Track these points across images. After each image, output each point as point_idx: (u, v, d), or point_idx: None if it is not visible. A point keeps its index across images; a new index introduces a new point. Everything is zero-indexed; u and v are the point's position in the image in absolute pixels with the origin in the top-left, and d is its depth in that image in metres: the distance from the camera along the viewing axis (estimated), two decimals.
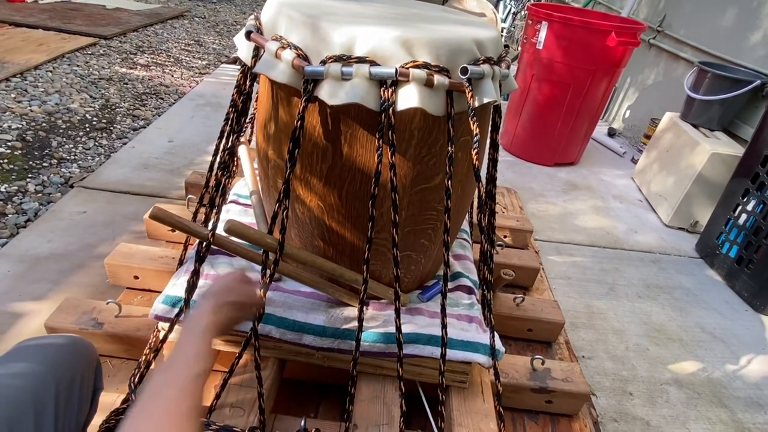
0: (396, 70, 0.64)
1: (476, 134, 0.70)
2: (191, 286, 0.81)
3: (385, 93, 0.66)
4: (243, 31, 0.76)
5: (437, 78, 0.66)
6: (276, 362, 0.93)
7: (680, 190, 1.99)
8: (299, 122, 0.68)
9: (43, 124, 2.10)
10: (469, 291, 1.01)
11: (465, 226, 1.26)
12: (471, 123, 0.70)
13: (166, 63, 3.10)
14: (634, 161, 2.56)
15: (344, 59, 0.65)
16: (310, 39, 0.67)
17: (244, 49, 0.77)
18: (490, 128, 0.85)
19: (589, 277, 1.66)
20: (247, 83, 0.79)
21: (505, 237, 1.65)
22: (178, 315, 0.85)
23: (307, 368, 0.97)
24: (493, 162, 0.86)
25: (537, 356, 1.07)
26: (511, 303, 1.27)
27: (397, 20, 0.74)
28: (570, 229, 1.93)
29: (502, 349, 0.91)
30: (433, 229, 0.88)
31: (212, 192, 0.85)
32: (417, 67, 0.65)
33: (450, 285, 1.03)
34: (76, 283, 1.30)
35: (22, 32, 2.99)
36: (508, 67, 0.77)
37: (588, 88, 2.18)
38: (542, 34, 2.14)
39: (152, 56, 3.16)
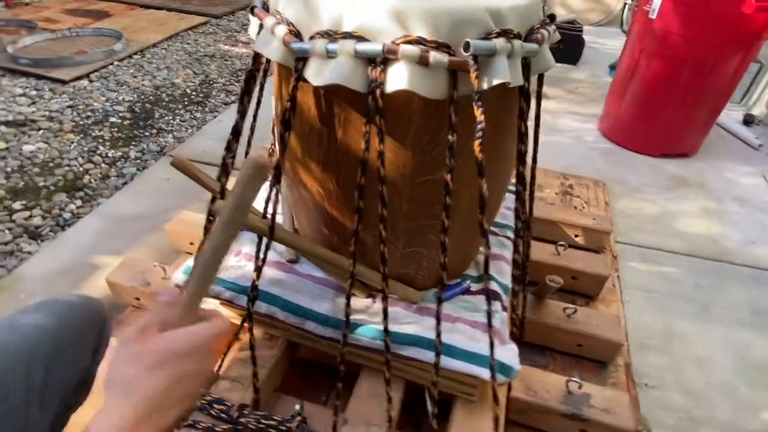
0: (383, 46, 0.57)
1: (480, 121, 0.60)
2: None
3: (373, 73, 0.59)
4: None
5: (434, 55, 0.57)
6: (285, 342, 0.93)
7: None
8: (289, 104, 0.65)
9: (150, 97, 2.35)
10: (494, 296, 0.91)
11: (509, 220, 1.13)
12: (475, 108, 0.59)
13: None
14: None
15: (330, 35, 0.59)
16: (302, 13, 0.63)
17: (253, 25, 0.74)
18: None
19: (677, 292, 1.40)
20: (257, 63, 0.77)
21: (576, 236, 1.47)
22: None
23: (324, 352, 0.96)
24: (519, 155, 0.74)
25: (573, 379, 0.94)
26: (560, 312, 1.12)
27: None
28: (666, 232, 1.65)
29: (517, 367, 0.81)
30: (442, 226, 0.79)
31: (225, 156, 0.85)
32: (409, 42, 0.57)
33: (474, 287, 0.93)
34: (148, 243, 1.45)
35: (149, 14, 3.37)
36: (541, 42, 0.64)
37: (712, 65, 1.81)
38: (657, 0, 1.81)
39: None
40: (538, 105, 0.86)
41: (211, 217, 0.78)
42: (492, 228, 1.11)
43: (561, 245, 1.31)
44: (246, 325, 0.79)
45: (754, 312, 1.36)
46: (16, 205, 1.64)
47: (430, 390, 0.78)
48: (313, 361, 1.04)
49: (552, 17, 0.71)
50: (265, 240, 0.73)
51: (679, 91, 1.90)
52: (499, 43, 0.58)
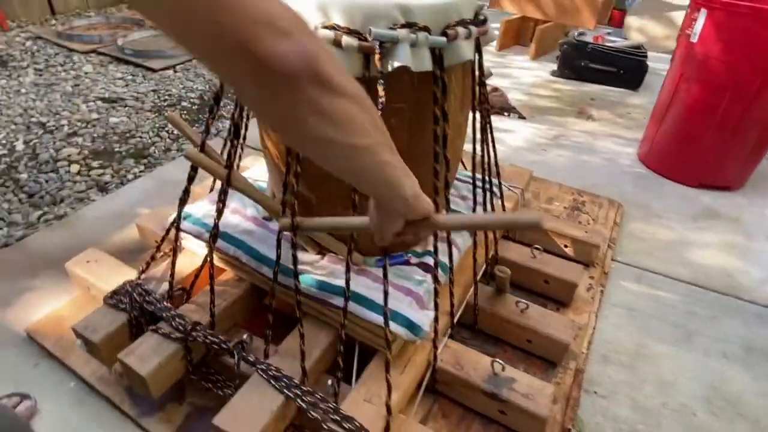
0: None
1: (381, 99, 0.72)
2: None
3: None
4: None
5: (345, 39, 0.70)
6: (249, 285, 1.09)
7: None
8: None
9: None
10: (426, 269, 0.99)
11: (462, 208, 1.20)
12: (379, 88, 0.72)
13: None
14: None
15: None
16: None
17: None
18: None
19: (664, 316, 1.36)
20: None
21: (565, 246, 1.48)
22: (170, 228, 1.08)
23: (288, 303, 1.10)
24: (435, 136, 0.83)
25: (497, 360, 0.99)
26: (513, 306, 1.17)
27: None
28: (674, 260, 1.59)
29: (426, 328, 0.89)
30: None
31: (229, 135, 1.04)
32: (325, 27, 0.71)
33: (414, 261, 1.03)
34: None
35: None
36: (454, 37, 0.75)
37: (756, 93, 1.72)
38: (699, 23, 1.76)
39: None
40: (481, 101, 0.94)
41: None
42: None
43: (536, 248, 1.34)
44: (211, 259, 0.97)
45: (747, 349, 1.28)
46: (94, 164, 1.99)
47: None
48: (279, 311, 1.19)
49: (477, 19, 0.80)
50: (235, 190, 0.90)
51: (718, 118, 1.82)
52: (402, 33, 0.70)
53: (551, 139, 2.38)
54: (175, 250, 1.06)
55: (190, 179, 1.00)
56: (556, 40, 3.23)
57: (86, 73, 2.77)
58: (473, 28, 0.78)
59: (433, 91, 0.78)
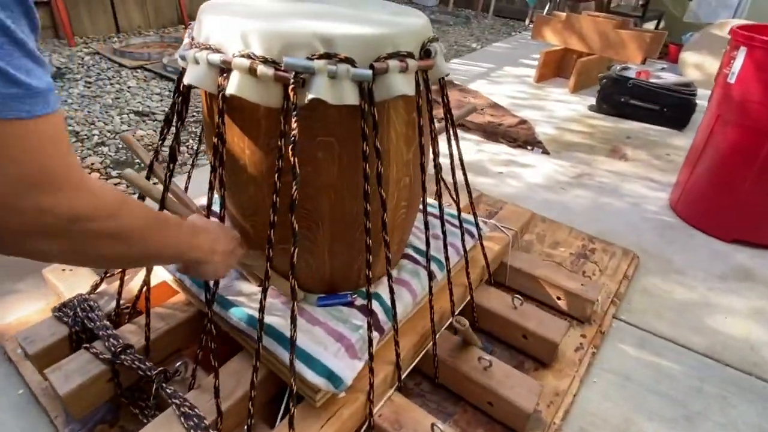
0: (221, 57, 0.68)
1: (294, 132, 0.67)
2: None
3: (220, 79, 0.70)
4: None
5: (260, 68, 0.67)
6: (195, 310, 1.07)
7: None
8: (180, 97, 0.80)
9: None
10: (368, 314, 0.92)
11: (438, 251, 1.11)
12: (291, 120, 0.67)
13: None
14: None
15: (198, 46, 0.73)
16: (198, 30, 0.78)
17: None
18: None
19: (662, 390, 1.19)
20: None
21: (558, 299, 1.35)
22: None
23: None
24: (365, 174, 0.76)
25: (437, 424, 0.89)
26: (475, 361, 1.06)
27: (284, 16, 0.76)
28: (689, 325, 1.40)
29: (347, 382, 0.81)
30: (310, 230, 0.85)
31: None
32: (242, 56, 0.68)
33: (359, 302, 0.96)
34: None
35: None
36: (382, 71, 0.69)
37: None
38: (737, 63, 1.59)
39: None
40: (421, 133, 0.88)
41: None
42: (409, 251, 1.12)
43: (517, 298, 1.23)
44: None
45: None
46: (113, 173, 2.09)
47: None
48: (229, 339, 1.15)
49: (422, 52, 0.74)
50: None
51: (758, 166, 1.62)
52: (319, 64, 0.66)
53: (573, 177, 2.23)
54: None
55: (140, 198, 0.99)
56: (598, 73, 3.07)
57: (129, 87, 2.96)
58: (411, 62, 0.73)
59: (361, 126, 0.72)
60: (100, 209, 0.48)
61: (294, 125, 0.67)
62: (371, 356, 0.86)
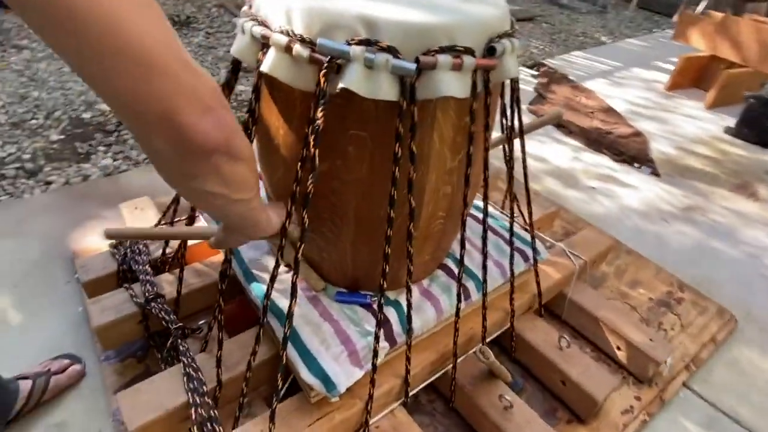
0: (261, 31, 0.64)
1: (318, 122, 0.62)
2: None
3: (259, 54, 0.67)
4: None
5: (296, 48, 0.62)
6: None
7: None
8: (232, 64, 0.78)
9: None
10: (383, 322, 0.86)
11: (475, 265, 1.00)
12: (313, 106, 0.62)
13: None
14: None
15: (248, 16, 0.70)
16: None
17: None
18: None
19: None
20: None
21: (618, 349, 1.18)
22: None
23: None
24: (393, 178, 0.68)
25: None
26: (495, 399, 0.96)
27: None
28: None
29: (341, 389, 0.77)
30: (334, 223, 0.80)
31: None
32: (281, 32, 0.63)
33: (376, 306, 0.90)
34: None
35: None
36: (429, 66, 0.61)
37: None
38: None
39: None
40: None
41: None
42: (448, 262, 1.02)
43: (565, 339, 1.08)
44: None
45: None
46: None
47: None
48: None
49: (467, 49, 0.63)
50: None
51: None
52: (356, 50, 0.59)
53: (682, 209, 1.92)
54: (174, 214, 1.08)
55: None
56: (745, 90, 2.58)
57: None
58: (467, 59, 0.62)
59: (396, 126, 0.65)
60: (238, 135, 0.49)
61: (320, 114, 0.62)
62: (374, 367, 0.81)
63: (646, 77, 3.32)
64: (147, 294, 0.98)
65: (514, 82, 0.82)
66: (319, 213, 0.79)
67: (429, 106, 0.68)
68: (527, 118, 2.51)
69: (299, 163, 0.67)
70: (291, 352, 0.81)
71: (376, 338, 0.79)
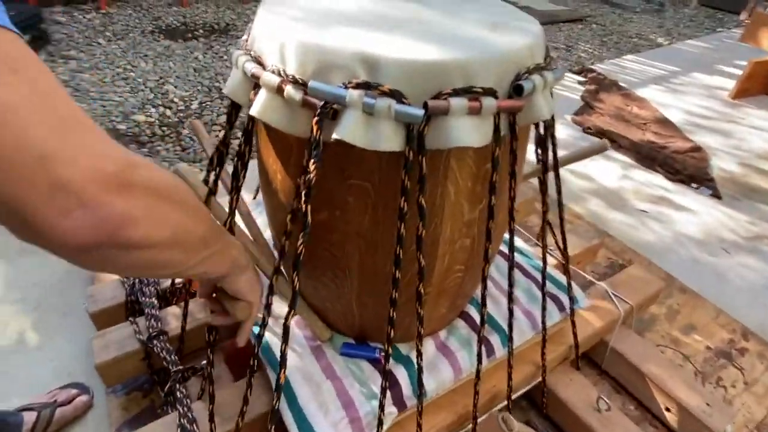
0: (251, 69, 0.57)
1: (311, 174, 0.54)
2: None
3: (251, 93, 0.59)
4: None
5: (288, 89, 0.54)
6: None
7: None
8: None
9: None
10: (391, 381, 0.77)
11: (499, 318, 0.89)
12: (306, 156, 0.54)
13: None
14: None
15: (242, 51, 0.62)
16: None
17: None
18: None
19: None
20: None
21: (667, 410, 1.03)
22: None
23: None
24: (399, 238, 0.59)
25: None
26: None
27: (342, 22, 0.60)
28: None
29: None
30: (336, 276, 0.72)
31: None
32: (272, 72, 0.55)
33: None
34: None
35: None
36: (441, 111, 0.51)
37: None
38: None
39: None
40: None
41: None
42: (470, 310, 0.92)
43: (603, 401, 0.95)
44: None
45: None
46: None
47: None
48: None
49: (487, 89, 0.53)
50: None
51: None
52: (352, 94, 0.50)
53: (748, 238, 1.70)
54: None
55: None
56: None
57: None
58: (487, 101, 0.52)
59: (402, 178, 0.55)
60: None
61: (312, 167, 0.54)
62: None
63: (708, 83, 3.03)
64: (150, 330, 0.94)
65: (551, 119, 0.71)
66: (318, 263, 0.71)
67: (441, 155, 0.58)
68: (571, 131, 2.35)
69: (289, 216, 0.59)
70: (286, 414, 0.74)
71: (381, 407, 0.70)
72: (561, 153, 0.81)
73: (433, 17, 0.65)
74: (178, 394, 0.85)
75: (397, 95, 0.51)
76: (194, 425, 0.80)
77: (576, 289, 0.99)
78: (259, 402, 0.83)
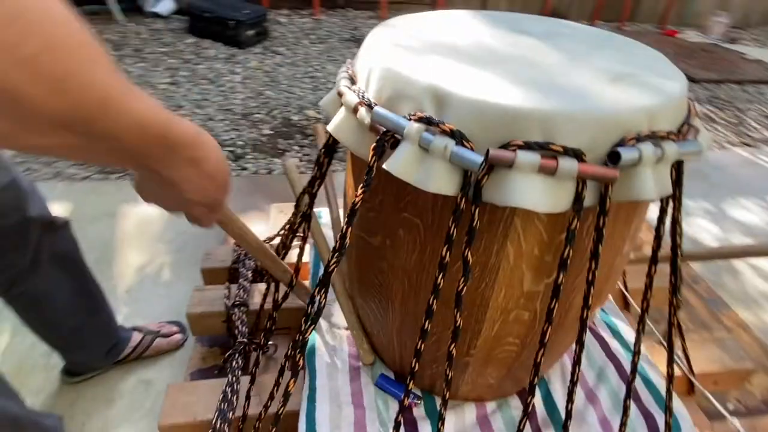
0: (340, 88, 0.58)
1: (357, 199, 0.53)
2: None
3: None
4: None
5: (361, 111, 0.54)
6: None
7: None
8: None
9: None
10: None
11: (558, 394, 0.74)
12: (361, 185, 0.53)
13: None
14: None
15: (347, 68, 0.65)
16: None
17: None
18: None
19: None
20: None
21: None
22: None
23: None
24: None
25: None
26: None
27: (440, 53, 0.58)
28: None
29: None
30: (381, 303, 0.69)
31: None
32: (354, 92, 0.56)
33: (417, 412, 0.75)
34: None
35: None
36: (506, 164, 0.45)
37: None
38: None
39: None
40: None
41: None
42: None
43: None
44: None
45: None
46: None
47: None
48: None
49: (569, 149, 0.44)
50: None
51: None
52: (412, 127, 0.48)
53: None
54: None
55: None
56: None
57: None
58: (566, 163, 0.44)
59: (449, 226, 0.50)
60: None
61: (360, 192, 0.53)
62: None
63: None
64: (236, 299, 1.05)
65: (668, 200, 0.57)
66: (369, 287, 0.70)
67: (503, 210, 0.51)
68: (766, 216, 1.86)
69: (339, 232, 0.59)
70: (301, 422, 0.74)
71: None
72: (744, 241, 0.64)
73: (549, 59, 0.58)
74: (234, 363, 0.93)
75: (458, 136, 0.47)
76: (234, 397, 0.86)
77: (683, 416, 0.78)
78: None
